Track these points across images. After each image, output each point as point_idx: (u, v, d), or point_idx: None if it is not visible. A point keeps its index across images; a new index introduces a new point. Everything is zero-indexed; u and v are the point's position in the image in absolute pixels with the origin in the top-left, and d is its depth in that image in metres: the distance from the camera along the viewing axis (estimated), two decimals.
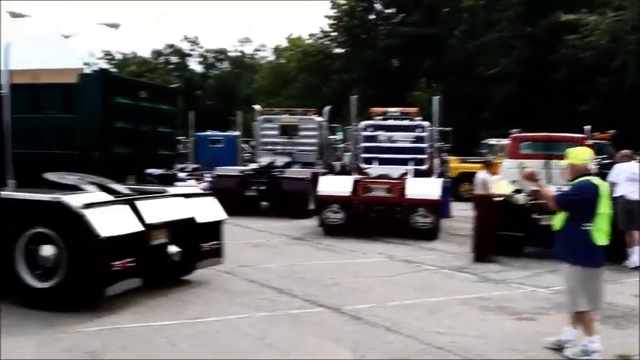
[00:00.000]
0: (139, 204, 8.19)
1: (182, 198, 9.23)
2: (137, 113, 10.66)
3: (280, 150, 20.97)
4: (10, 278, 7.75)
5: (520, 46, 34.14)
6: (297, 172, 19.34)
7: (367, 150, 17.10)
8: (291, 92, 51.76)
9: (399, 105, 20.23)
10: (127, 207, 7.99)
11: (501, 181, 12.88)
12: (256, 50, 71.96)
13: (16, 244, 7.76)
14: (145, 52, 69.81)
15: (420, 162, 16.76)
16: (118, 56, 68.54)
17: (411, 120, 17.44)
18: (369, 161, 16.89)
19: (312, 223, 16.53)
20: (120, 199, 8.28)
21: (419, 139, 17.01)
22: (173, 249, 8.60)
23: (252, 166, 20.62)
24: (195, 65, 71.00)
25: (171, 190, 9.84)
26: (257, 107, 22.79)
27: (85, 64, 59.22)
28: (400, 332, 7.25)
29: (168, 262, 8.62)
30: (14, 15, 32.35)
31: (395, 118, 17.52)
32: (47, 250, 7.66)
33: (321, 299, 8.75)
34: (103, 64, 63.26)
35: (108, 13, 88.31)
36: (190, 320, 7.54)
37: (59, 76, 10.72)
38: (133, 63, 65.18)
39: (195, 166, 26.14)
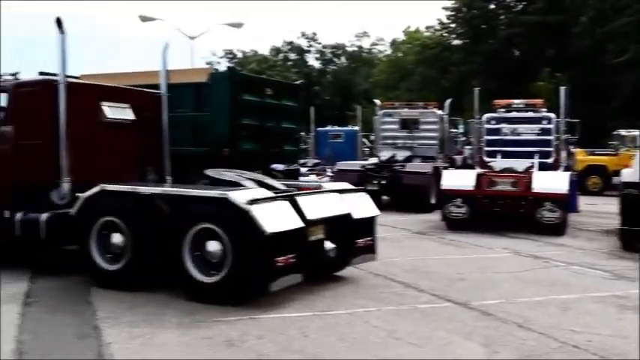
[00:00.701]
0: (299, 200, 8.24)
1: (337, 194, 9.22)
2: (263, 110, 10.98)
3: (401, 144, 20.92)
4: (179, 272, 7.98)
5: None
6: (418, 166, 19.29)
7: (490, 143, 16.74)
8: (409, 85, 51.54)
9: (521, 96, 19.72)
10: (287, 203, 8.04)
11: None
12: (373, 44, 72.29)
13: (184, 239, 7.95)
14: (265, 50, 71.66)
15: (545, 155, 16.25)
16: (239, 55, 70.70)
17: (536, 112, 16.91)
18: (492, 154, 16.56)
19: (433, 217, 16.42)
20: (281, 194, 8.39)
21: (545, 132, 16.47)
22: (329, 245, 8.67)
23: (373, 160, 20.70)
24: (313, 61, 72.13)
25: (326, 185, 9.94)
26: (377, 101, 22.83)
27: (208, 63, 61.51)
28: (532, 329, 7.08)
29: (324, 258, 8.68)
30: (144, 19, 33.99)
31: (519, 110, 17.05)
32: (213, 246, 7.79)
33: (448, 294, 8.69)
34: (225, 63, 65.44)
35: (225, 11, 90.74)
36: (320, 312, 7.66)
37: (189, 76, 11.15)
38: (252, 60, 67.04)
39: (316, 160, 26.56)
